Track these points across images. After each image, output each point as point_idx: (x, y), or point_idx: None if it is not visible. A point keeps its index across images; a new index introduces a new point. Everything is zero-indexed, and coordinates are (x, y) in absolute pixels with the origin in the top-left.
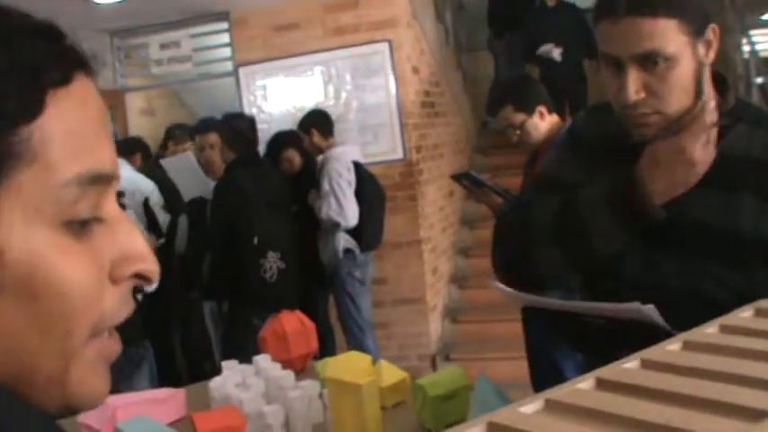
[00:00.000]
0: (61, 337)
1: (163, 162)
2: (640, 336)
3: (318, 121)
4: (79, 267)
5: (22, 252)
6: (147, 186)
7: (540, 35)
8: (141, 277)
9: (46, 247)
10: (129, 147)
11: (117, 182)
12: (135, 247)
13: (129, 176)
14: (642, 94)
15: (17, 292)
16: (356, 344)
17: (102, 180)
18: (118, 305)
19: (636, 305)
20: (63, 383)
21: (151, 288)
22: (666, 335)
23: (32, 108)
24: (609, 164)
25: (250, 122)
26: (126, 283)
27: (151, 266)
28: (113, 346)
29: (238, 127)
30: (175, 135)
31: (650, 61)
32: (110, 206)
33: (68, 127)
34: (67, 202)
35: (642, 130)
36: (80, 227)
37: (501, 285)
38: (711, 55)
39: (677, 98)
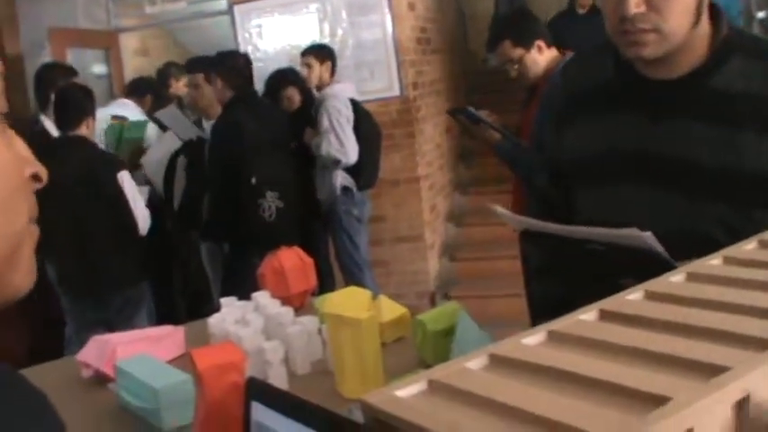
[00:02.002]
0: (11, 220)
1: (157, 114)
2: (639, 264)
3: (317, 49)
4: (10, 158)
5: None
6: (152, 133)
7: (563, 43)
8: (37, 178)
9: None
10: (140, 88)
11: None
12: (27, 153)
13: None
14: (642, 8)
15: None
16: (355, 282)
17: None
18: (33, 201)
19: (634, 230)
20: (12, 268)
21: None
22: (665, 263)
23: None
24: (598, 107)
25: (246, 60)
26: (29, 182)
27: (42, 169)
28: (37, 236)
29: (235, 65)
30: (173, 72)
31: None
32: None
33: None
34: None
35: (638, 48)
36: (3, 120)
37: (501, 209)
38: None
39: (678, 15)
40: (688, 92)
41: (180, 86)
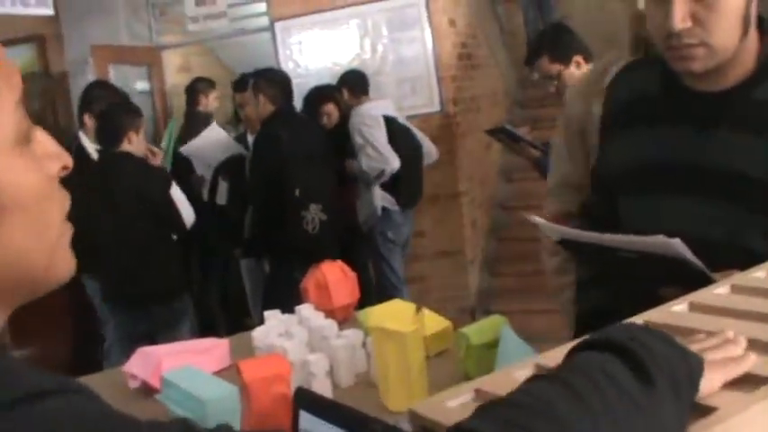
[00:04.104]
0: (47, 232)
1: (183, 150)
2: (671, 271)
3: (350, 80)
4: (39, 174)
5: (8, 176)
6: None
7: None
8: (64, 168)
9: (19, 166)
10: None
11: None
12: (53, 147)
13: None
14: (688, 23)
15: (14, 209)
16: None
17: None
18: (63, 195)
19: (661, 238)
20: (53, 268)
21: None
22: (696, 270)
23: None
24: (644, 119)
25: (286, 76)
26: (56, 177)
27: (68, 159)
28: (71, 230)
29: (278, 80)
30: (201, 88)
31: None
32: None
33: None
34: (19, 123)
35: (687, 63)
36: (27, 141)
37: (538, 219)
38: None
39: (725, 29)
40: (734, 104)
41: (211, 101)
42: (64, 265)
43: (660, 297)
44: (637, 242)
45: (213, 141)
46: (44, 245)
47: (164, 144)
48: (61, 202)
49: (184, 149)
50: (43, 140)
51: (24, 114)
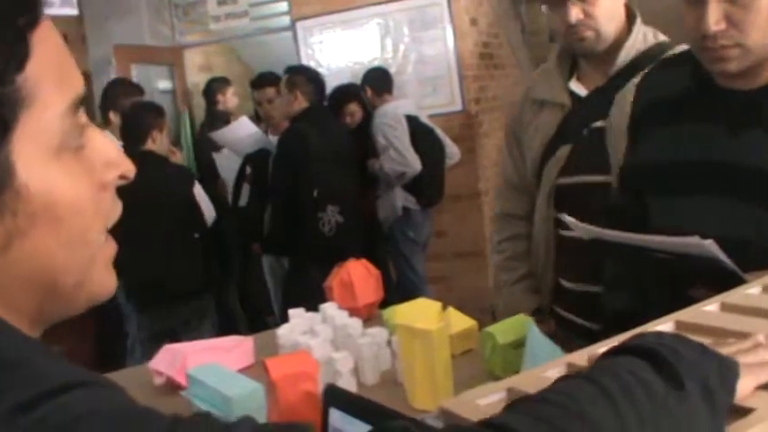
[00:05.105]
0: (82, 247)
1: (213, 135)
2: (705, 272)
3: (373, 79)
4: (83, 184)
5: (42, 184)
6: None
7: None
8: (123, 177)
9: (58, 175)
10: None
11: None
12: (113, 154)
13: None
14: (723, 25)
15: (45, 219)
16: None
17: (80, 102)
18: (111, 206)
19: (695, 239)
20: (86, 286)
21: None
22: (730, 271)
23: (22, 54)
24: (674, 117)
25: (321, 75)
26: (111, 186)
27: (129, 167)
28: (114, 247)
29: (316, 78)
30: (216, 87)
31: None
32: (83, 118)
33: (50, 63)
34: (65, 131)
35: (722, 64)
36: (77, 148)
37: (568, 217)
38: None
39: (759, 29)
40: (766, 103)
41: (229, 98)
42: (101, 284)
43: (690, 298)
44: (669, 243)
45: (244, 135)
46: (76, 260)
47: (182, 138)
48: (106, 215)
49: (215, 135)
50: (101, 146)
51: (78, 120)
